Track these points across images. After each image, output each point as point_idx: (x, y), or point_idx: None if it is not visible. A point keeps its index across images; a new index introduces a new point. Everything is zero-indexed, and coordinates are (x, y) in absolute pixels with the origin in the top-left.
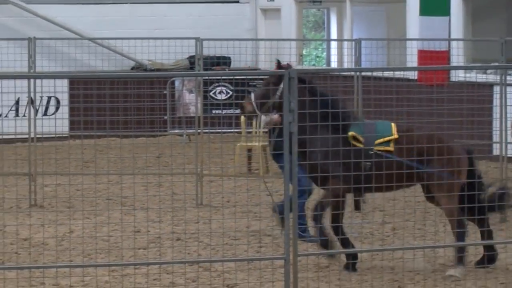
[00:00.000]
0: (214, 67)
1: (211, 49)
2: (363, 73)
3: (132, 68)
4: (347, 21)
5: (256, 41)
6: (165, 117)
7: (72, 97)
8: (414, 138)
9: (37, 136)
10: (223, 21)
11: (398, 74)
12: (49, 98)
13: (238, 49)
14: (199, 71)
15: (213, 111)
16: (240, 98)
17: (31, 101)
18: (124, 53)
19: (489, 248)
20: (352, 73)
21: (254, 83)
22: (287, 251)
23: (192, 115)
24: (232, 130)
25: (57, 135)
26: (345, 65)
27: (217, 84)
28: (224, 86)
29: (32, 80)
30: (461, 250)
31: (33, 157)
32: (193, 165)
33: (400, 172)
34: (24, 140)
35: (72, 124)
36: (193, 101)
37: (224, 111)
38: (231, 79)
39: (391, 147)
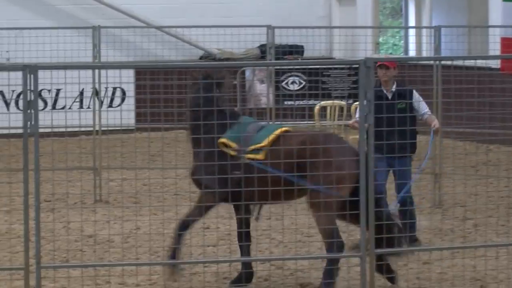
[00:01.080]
0: (286, 56)
1: (283, 37)
2: (443, 62)
3: (201, 58)
4: (426, 8)
5: (330, 28)
6: (235, 109)
7: (138, 88)
8: (290, 145)
9: (102, 128)
10: (295, 8)
11: (480, 63)
12: (115, 89)
13: (312, 37)
14: (270, 60)
15: (285, 102)
16: (313, 88)
17: (96, 92)
18: (192, 41)
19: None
20: (431, 62)
21: (328, 73)
22: (363, 249)
23: (263, 106)
24: (305, 122)
25: (123, 128)
26: (424, 54)
27: (289, 74)
28: (297, 76)
29: (96, 71)
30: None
31: (98, 151)
32: None
33: (270, 183)
34: (88, 133)
35: (138, 116)
36: (264, 91)
37: (297, 102)
38: (304, 68)
39: (260, 156)
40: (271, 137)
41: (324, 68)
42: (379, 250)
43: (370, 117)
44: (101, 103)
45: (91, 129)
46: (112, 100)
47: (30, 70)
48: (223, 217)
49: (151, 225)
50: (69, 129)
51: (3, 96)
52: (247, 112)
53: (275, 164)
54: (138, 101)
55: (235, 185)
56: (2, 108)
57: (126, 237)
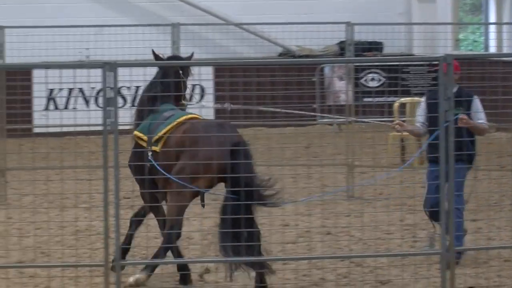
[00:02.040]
0: (365, 53)
1: (362, 34)
2: None
3: (280, 55)
4: (506, 3)
5: (409, 25)
6: (314, 106)
7: (217, 85)
8: (177, 137)
9: None
10: (375, 5)
11: None
12: (194, 86)
13: (391, 34)
14: (349, 57)
15: (365, 99)
16: (393, 85)
17: None
18: (271, 38)
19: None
20: None
21: (408, 70)
22: (444, 246)
23: (342, 103)
24: (385, 119)
25: None
26: (505, 50)
27: (368, 71)
28: (376, 73)
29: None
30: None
31: None
32: (343, 156)
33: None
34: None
35: (217, 113)
36: (343, 88)
37: (376, 99)
38: (383, 65)
39: (157, 148)
40: (168, 126)
41: (404, 65)
42: (459, 248)
43: (450, 114)
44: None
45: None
46: (191, 97)
47: (109, 67)
48: (302, 214)
49: None
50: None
51: (83, 94)
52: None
53: (163, 156)
54: (217, 98)
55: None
56: (82, 106)
57: (205, 234)
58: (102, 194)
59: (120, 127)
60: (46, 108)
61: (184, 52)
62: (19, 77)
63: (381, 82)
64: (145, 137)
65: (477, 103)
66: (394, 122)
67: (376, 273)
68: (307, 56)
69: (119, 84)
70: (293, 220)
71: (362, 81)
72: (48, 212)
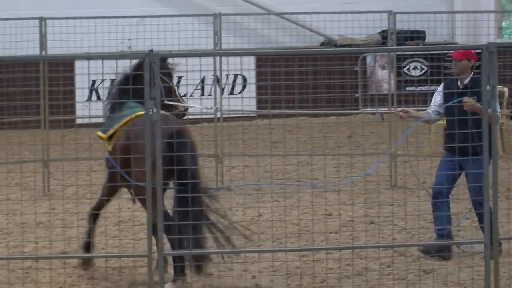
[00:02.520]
0: (407, 42)
1: (404, 23)
2: None
3: (322, 44)
4: None
5: (452, 13)
6: (357, 95)
7: (259, 75)
8: (125, 133)
9: (224, 115)
10: None
11: None
12: (236, 76)
13: (433, 22)
14: (391, 46)
15: (407, 88)
16: (435, 74)
17: (217, 80)
18: (313, 28)
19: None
20: None
21: (450, 58)
22: (488, 235)
23: (385, 92)
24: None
25: (244, 115)
26: None
27: (411, 60)
28: (419, 61)
29: (218, 58)
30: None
31: (219, 138)
32: (386, 145)
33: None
34: (210, 120)
35: (260, 103)
36: (385, 77)
37: (419, 88)
38: (426, 54)
39: (110, 147)
40: (116, 125)
41: (446, 54)
42: (503, 237)
43: (493, 102)
44: (222, 90)
45: (212, 116)
46: (233, 87)
47: (151, 58)
48: (345, 204)
49: (273, 212)
50: (190, 117)
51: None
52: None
53: (114, 154)
54: (259, 88)
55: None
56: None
57: (248, 224)
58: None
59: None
60: (89, 99)
61: (225, 42)
62: (61, 68)
63: (423, 71)
64: (103, 136)
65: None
66: (398, 110)
67: (420, 262)
68: (349, 45)
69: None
70: (335, 209)
71: (404, 70)
72: (91, 203)
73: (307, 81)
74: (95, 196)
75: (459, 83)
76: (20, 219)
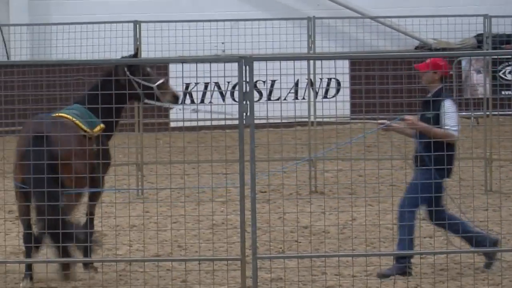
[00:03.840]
0: (503, 46)
1: (500, 27)
2: None
3: (416, 48)
4: None
5: None
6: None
7: (353, 79)
8: None
9: (317, 119)
10: None
11: None
12: (329, 79)
13: None
14: (487, 50)
15: (503, 92)
16: None
17: (311, 83)
18: (408, 31)
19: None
20: None
21: None
22: None
23: (480, 96)
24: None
25: (338, 119)
26: None
27: (506, 64)
28: None
29: (311, 61)
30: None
31: (313, 142)
32: (481, 150)
33: None
34: (303, 124)
35: (353, 107)
36: (481, 81)
37: None
38: None
39: None
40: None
41: None
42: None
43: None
44: (316, 94)
45: (306, 120)
46: (327, 91)
47: (245, 61)
48: None
49: (366, 216)
50: (284, 120)
51: (219, 88)
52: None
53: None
54: (353, 92)
55: None
56: (218, 100)
57: (341, 228)
58: (238, 188)
59: (256, 121)
60: (182, 103)
61: (319, 46)
62: (156, 71)
63: None
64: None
65: (446, 106)
66: (379, 121)
67: None
68: (444, 49)
69: (255, 78)
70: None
71: (500, 74)
72: (185, 206)
73: (401, 85)
74: (188, 200)
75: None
76: (114, 222)
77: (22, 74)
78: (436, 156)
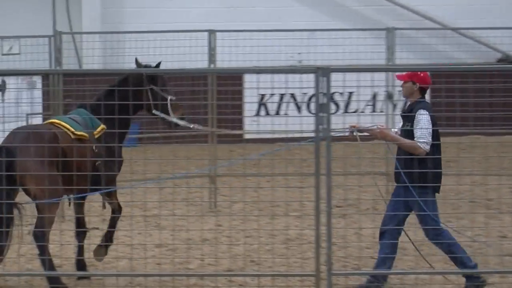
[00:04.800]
0: None
1: None
2: None
3: (499, 60)
4: None
5: None
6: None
7: (433, 92)
8: None
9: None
10: None
11: None
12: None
13: None
14: None
15: None
16: None
17: (389, 96)
18: (490, 44)
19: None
20: None
21: None
22: None
23: None
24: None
25: None
26: None
27: None
28: None
29: (390, 73)
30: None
31: (390, 156)
32: None
33: None
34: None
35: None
36: None
37: None
38: None
39: None
40: None
41: None
42: None
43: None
44: (394, 106)
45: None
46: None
47: (322, 72)
48: None
49: None
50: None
51: (295, 99)
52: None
53: None
54: (433, 105)
55: None
56: (294, 111)
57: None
58: (314, 202)
59: (333, 134)
60: (257, 114)
61: (399, 57)
62: (230, 81)
63: None
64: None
65: (419, 118)
66: (376, 127)
67: None
68: None
69: (332, 90)
70: (511, 231)
71: None
72: (259, 220)
73: (483, 98)
74: (262, 213)
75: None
76: (186, 235)
77: (94, 82)
78: (417, 171)
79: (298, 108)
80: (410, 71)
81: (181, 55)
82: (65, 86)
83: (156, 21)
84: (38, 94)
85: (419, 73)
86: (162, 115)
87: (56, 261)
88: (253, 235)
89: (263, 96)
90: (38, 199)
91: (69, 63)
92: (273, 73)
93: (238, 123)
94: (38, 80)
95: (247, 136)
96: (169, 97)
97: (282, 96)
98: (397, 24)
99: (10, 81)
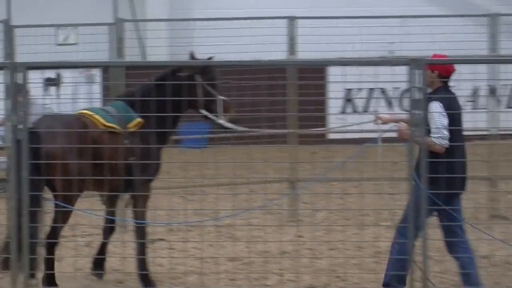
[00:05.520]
0: None
1: None
2: None
3: None
4: None
5: None
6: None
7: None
8: None
9: (499, 132)
10: None
11: None
12: None
13: None
14: None
15: None
16: None
17: (492, 91)
18: None
19: None
20: None
21: None
22: None
23: None
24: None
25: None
26: None
27: None
28: None
29: (494, 65)
30: None
31: (494, 158)
32: None
33: None
34: (483, 137)
35: None
36: None
37: None
38: None
39: None
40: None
41: None
42: None
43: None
44: (498, 102)
45: (486, 133)
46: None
47: (417, 64)
48: None
49: None
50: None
51: (386, 94)
52: None
53: None
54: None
55: None
56: (384, 108)
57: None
58: None
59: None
60: (343, 111)
61: (504, 47)
62: (312, 75)
63: None
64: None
65: (432, 107)
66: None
67: None
68: None
69: None
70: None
71: None
72: (345, 231)
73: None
74: (348, 223)
75: None
76: (263, 247)
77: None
78: (433, 168)
79: (390, 105)
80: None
81: (256, 45)
82: (127, 80)
83: (229, 7)
84: (97, 89)
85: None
86: (210, 115)
87: (117, 276)
88: (338, 248)
89: (349, 91)
90: (59, 191)
91: (131, 54)
92: (361, 65)
93: (321, 121)
94: (97, 73)
95: (331, 136)
96: (219, 97)
97: (371, 90)
98: (502, 10)
99: (66, 75)
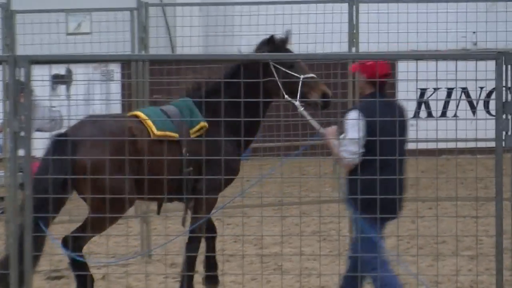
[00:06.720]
0: None
1: None
2: None
3: None
4: None
5: None
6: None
7: None
8: None
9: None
10: None
11: None
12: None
13: None
14: None
15: None
16: None
17: None
18: None
19: None
20: None
21: None
22: None
23: None
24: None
25: None
26: None
27: None
28: None
29: None
30: None
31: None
32: None
33: None
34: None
35: None
36: None
37: None
38: None
39: None
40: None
41: None
42: None
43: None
44: None
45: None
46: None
47: (506, 58)
48: None
49: None
50: None
51: (468, 95)
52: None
53: None
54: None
55: None
56: (467, 112)
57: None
58: (494, 237)
59: None
60: (415, 115)
61: None
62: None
63: None
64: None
65: (347, 121)
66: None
67: None
68: None
69: None
70: None
71: None
72: (417, 261)
73: None
74: (422, 252)
75: None
76: (317, 282)
77: (191, 72)
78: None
79: (473, 108)
80: (361, 61)
81: (310, 34)
82: (152, 78)
83: None
84: (116, 88)
85: (367, 63)
86: (297, 102)
87: None
88: (410, 282)
89: (423, 91)
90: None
91: (158, 46)
92: (435, 59)
93: None
94: (116, 68)
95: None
96: (301, 76)
97: (449, 91)
98: None
99: (78, 71)
